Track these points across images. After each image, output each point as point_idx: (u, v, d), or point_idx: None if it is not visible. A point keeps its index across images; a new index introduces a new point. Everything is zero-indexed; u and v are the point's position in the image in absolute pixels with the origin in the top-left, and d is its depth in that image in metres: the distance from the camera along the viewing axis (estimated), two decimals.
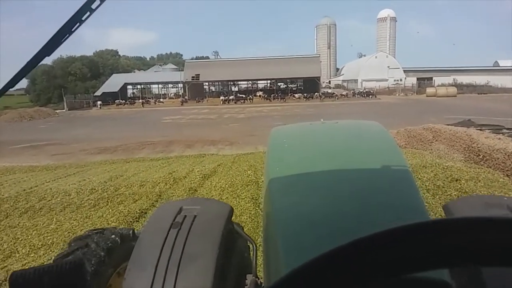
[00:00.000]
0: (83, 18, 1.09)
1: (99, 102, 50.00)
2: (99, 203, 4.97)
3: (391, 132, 11.30)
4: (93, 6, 1.09)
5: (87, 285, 1.42)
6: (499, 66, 75.10)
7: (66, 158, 15.18)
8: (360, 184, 1.59)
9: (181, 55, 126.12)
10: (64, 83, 72.50)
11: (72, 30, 1.10)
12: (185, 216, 1.59)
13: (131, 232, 1.83)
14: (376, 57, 70.77)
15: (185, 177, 6.58)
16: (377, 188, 1.57)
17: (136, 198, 5.29)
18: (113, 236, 1.75)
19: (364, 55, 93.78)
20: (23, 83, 77.88)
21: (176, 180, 6.21)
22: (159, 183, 5.97)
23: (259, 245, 2.25)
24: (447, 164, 6.42)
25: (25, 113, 35.81)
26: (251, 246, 1.90)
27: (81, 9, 1.08)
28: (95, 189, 5.74)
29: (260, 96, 53.26)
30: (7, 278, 1.20)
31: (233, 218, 1.74)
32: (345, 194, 1.52)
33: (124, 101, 52.77)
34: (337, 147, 2.13)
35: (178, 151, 16.41)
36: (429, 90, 53.05)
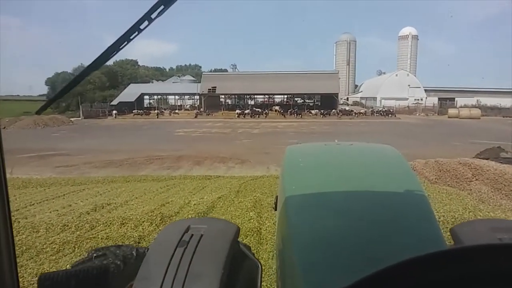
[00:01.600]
0: (131, 37, 1.14)
1: (114, 112, 50.00)
2: (63, 248, 4.09)
3: (418, 162, 10.20)
4: (141, 27, 1.13)
5: None
6: None
7: (68, 171, 14.56)
8: (375, 208, 1.58)
9: (200, 66, 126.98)
10: (83, 91, 73.62)
11: (120, 47, 1.15)
12: (192, 235, 1.60)
13: (134, 251, 1.80)
14: (396, 75, 69.43)
15: (177, 213, 5.68)
16: (393, 212, 1.57)
17: (108, 244, 4.29)
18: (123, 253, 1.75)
19: (384, 73, 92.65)
20: (45, 89, 79.53)
21: (164, 219, 5.31)
22: (143, 221, 5.08)
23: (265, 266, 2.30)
24: (494, 214, 5.35)
25: (40, 120, 35.71)
26: (257, 266, 1.86)
27: (132, 28, 1.12)
28: (68, 225, 4.88)
29: (276, 111, 52.41)
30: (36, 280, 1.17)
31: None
32: (361, 217, 1.52)
33: (141, 111, 52.65)
34: (352, 169, 2.12)
35: (185, 168, 15.65)
36: (451, 111, 51.30)
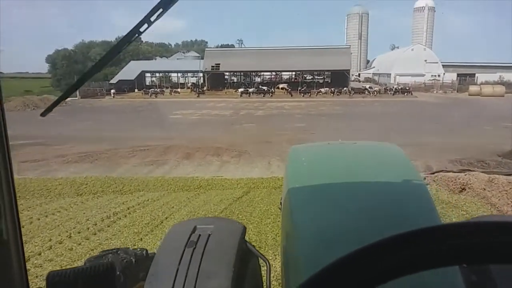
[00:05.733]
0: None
1: (112, 91, 47.42)
2: None
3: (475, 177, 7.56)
4: (141, 29, 1.11)
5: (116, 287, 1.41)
6: None
7: (31, 168, 12.33)
8: (378, 205, 1.61)
9: (206, 42, 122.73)
10: (84, 68, 71.22)
11: (122, 49, 1.17)
12: (200, 235, 1.58)
13: (144, 252, 1.80)
14: (412, 49, 65.01)
15: None
16: (396, 209, 1.61)
17: None
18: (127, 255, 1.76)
19: (397, 47, 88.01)
20: (46, 67, 77.45)
21: None
22: None
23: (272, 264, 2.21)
24: None
25: (30, 102, 33.35)
26: (264, 264, 1.77)
27: (132, 31, 1.12)
28: None
29: (283, 88, 49.17)
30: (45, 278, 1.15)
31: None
32: (364, 215, 1.55)
33: (144, 90, 49.81)
34: (355, 168, 2.13)
35: (171, 163, 13.26)
36: (472, 88, 47.64)
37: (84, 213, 6.18)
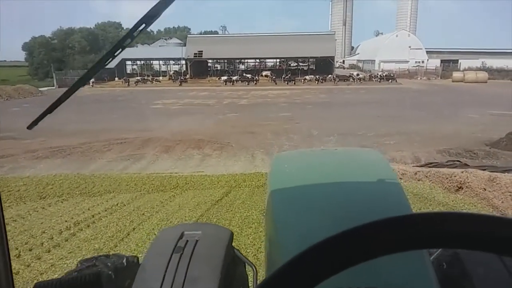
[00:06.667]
0: (115, 54, 1.13)
1: (91, 80, 45.75)
2: None
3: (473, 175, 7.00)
4: (125, 44, 1.12)
5: None
6: None
7: None
8: (358, 209, 1.65)
9: (189, 29, 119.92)
10: (62, 56, 68.68)
11: (106, 63, 1.16)
12: (187, 241, 1.58)
13: (135, 259, 1.76)
14: (397, 35, 64.67)
15: None
16: (375, 213, 1.55)
17: None
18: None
19: (381, 33, 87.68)
20: (22, 54, 74.56)
21: None
22: None
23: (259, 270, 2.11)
24: None
25: (3, 92, 31.66)
26: (251, 270, 1.84)
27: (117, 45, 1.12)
28: None
29: (266, 76, 48.31)
30: None
31: None
32: (345, 219, 1.54)
33: (124, 78, 48.12)
34: (336, 174, 2.18)
35: (149, 157, 12.55)
36: (456, 74, 47.68)
37: (42, 223, 5.47)
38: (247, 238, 4.55)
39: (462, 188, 5.92)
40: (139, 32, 1.10)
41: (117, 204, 6.32)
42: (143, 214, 5.72)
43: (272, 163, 2.42)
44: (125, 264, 1.68)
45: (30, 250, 4.47)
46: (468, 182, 5.84)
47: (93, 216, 5.65)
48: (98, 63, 1.20)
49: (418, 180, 7.50)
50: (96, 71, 1.22)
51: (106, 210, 6.00)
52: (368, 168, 2.30)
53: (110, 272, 1.59)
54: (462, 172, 6.14)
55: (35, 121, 1.23)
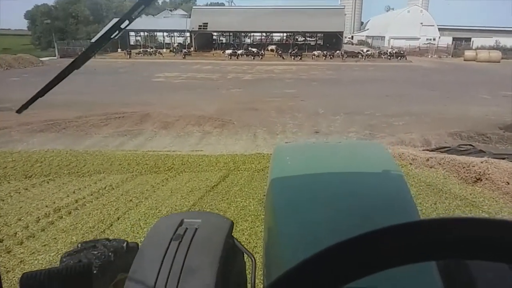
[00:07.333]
0: (111, 36, 1.09)
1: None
2: None
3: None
4: (122, 26, 1.08)
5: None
6: None
7: None
8: (360, 202, 1.64)
9: (195, 0, 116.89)
10: (64, 26, 67.22)
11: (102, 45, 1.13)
12: (186, 229, 1.56)
13: (125, 244, 1.75)
14: (408, 11, 62.31)
15: None
16: (377, 206, 1.63)
17: None
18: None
19: (392, 9, 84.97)
20: (25, 23, 73.22)
21: None
22: None
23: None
24: None
25: (3, 61, 30.89)
26: (250, 260, 1.76)
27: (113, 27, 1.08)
28: None
29: (272, 51, 47.01)
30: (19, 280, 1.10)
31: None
32: (347, 212, 1.58)
33: (127, 50, 46.87)
34: (339, 166, 2.17)
35: (148, 133, 12.06)
36: (468, 53, 46.14)
37: (21, 207, 5.01)
38: (241, 234, 4.06)
39: (481, 180, 5.38)
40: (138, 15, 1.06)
41: (105, 188, 5.84)
42: (131, 200, 5.24)
43: (273, 154, 2.39)
44: (113, 252, 1.65)
45: (1, 241, 4.03)
46: (489, 174, 5.28)
47: (76, 201, 5.17)
48: (89, 48, 1.14)
49: (430, 168, 6.95)
50: (88, 56, 1.13)
51: (92, 194, 5.52)
52: (370, 161, 2.27)
53: (110, 254, 1.60)
54: (482, 162, 5.58)
55: (25, 104, 1.18)
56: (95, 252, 1.61)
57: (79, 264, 1.41)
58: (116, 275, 1.63)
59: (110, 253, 1.62)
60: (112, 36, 1.07)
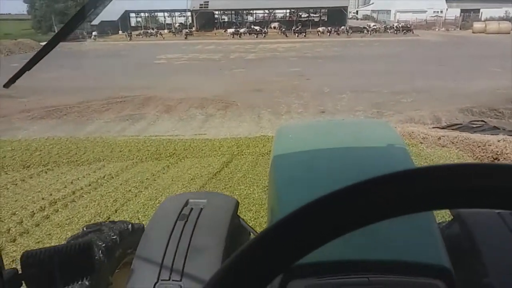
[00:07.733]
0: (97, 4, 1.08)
1: (94, 33, 44.13)
2: None
3: None
4: None
5: (96, 267, 1.32)
6: None
7: None
8: (363, 175, 1.32)
9: None
10: (64, 9, 66.24)
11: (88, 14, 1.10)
12: (192, 208, 1.58)
13: (130, 226, 1.78)
14: None
15: None
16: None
17: None
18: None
19: None
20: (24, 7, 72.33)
21: None
22: None
23: None
24: None
25: (3, 47, 30.56)
26: None
27: None
28: None
29: (275, 28, 46.00)
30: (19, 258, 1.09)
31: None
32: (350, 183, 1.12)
33: (127, 32, 46.03)
34: (342, 142, 2.12)
35: (150, 117, 11.84)
36: (477, 25, 44.79)
37: (16, 200, 4.83)
38: None
39: (499, 160, 5.08)
40: None
41: (103, 177, 5.63)
42: (130, 190, 5.03)
43: (276, 134, 2.34)
44: (118, 234, 1.66)
45: None
46: (507, 153, 4.96)
47: (73, 193, 4.97)
48: (75, 16, 1.11)
49: (443, 147, 6.64)
50: (74, 25, 1.13)
51: (90, 185, 5.31)
52: (376, 136, 2.21)
53: (115, 237, 1.62)
54: (499, 141, 5.26)
55: (12, 78, 1.18)
56: (101, 235, 1.61)
57: (80, 241, 1.36)
58: (124, 256, 1.65)
59: (115, 236, 1.62)
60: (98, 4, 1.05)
